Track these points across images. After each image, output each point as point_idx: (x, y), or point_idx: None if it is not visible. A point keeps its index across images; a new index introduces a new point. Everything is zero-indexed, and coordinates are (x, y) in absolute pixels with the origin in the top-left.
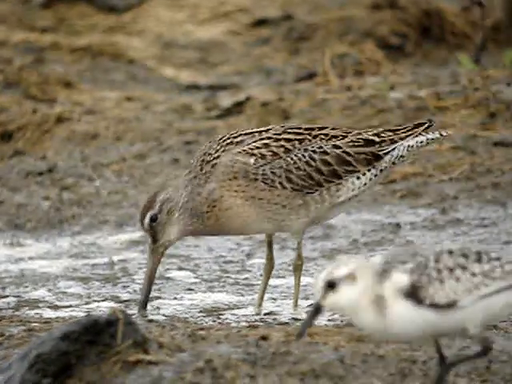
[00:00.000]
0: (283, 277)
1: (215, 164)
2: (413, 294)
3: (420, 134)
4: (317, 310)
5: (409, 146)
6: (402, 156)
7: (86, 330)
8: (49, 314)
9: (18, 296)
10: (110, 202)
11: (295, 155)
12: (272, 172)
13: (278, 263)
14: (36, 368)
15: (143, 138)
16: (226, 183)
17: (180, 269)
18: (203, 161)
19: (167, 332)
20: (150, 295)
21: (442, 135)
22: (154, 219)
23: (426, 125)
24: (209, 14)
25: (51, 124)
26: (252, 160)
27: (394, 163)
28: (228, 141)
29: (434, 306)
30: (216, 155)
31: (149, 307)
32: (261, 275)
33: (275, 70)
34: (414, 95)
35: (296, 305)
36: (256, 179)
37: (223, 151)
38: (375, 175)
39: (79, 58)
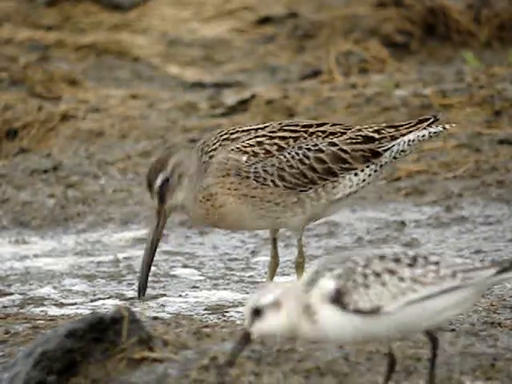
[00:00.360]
0: (288, 274)
1: (212, 156)
2: (338, 299)
3: (423, 128)
4: (245, 337)
5: (409, 140)
6: (403, 150)
7: (91, 328)
8: (54, 311)
9: (23, 293)
10: (114, 199)
11: (288, 153)
12: (264, 170)
13: (282, 261)
14: (41, 365)
15: (148, 135)
16: (219, 180)
17: (185, 266)
18: (202, 150)
19: (172, 329)
20: (150, 272)
21: (445, 129)
22: (165, 181)
23: (431, 120)
24: (213, 12)
25: (56, 122)
26: (244, 158)
27: (395, 158)
28: (225, 136)
29: (358, 311)
30: (213, 147)
31: (154, 305)
32: (265, 273)
33: (280, 67)
34: (419, 93)
35: None
36: (248, 177)
37: (220, 145)
38: (375, 171)
39: (84, 56)
